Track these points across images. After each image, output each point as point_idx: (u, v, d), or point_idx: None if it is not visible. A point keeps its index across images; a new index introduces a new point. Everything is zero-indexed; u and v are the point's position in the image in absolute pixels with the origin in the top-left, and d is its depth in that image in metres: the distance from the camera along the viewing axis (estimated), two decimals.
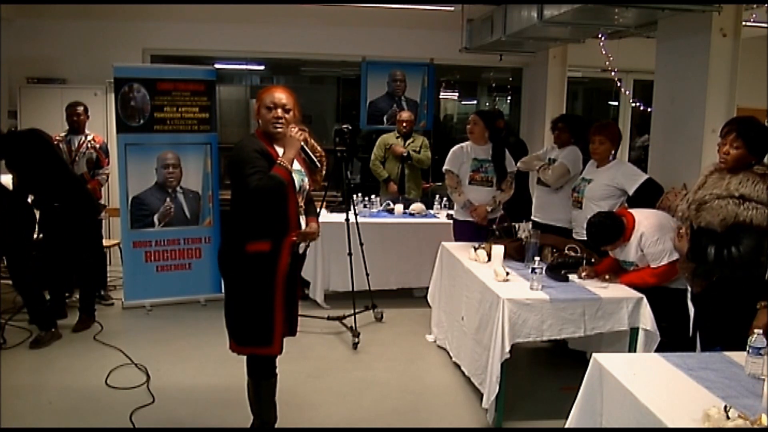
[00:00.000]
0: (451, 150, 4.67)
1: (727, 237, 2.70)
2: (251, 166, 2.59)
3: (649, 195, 3.82)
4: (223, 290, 2.88)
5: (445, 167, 4.67)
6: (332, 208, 5.36)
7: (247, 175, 2.58)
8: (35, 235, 4.54)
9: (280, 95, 2.74)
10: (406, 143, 5.89)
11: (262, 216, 2.67)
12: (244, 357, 2.90)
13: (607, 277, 3.41)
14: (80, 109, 5.19)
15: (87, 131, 5.25)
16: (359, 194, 5.69)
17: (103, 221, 5.42)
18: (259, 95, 2.80)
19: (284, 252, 2.71)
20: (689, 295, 3.14)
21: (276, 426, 2.97)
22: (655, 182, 3.91)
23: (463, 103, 9.16)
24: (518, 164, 4.64)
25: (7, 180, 4.53)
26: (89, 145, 5.18)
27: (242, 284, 2.73)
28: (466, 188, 4.58)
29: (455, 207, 4.77)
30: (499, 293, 3.19)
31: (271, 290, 2.71)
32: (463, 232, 4.61)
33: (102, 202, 5.39)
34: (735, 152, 2.75)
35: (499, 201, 4.56)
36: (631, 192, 3.82)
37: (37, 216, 4.52)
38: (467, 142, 4.64)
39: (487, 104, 8.86)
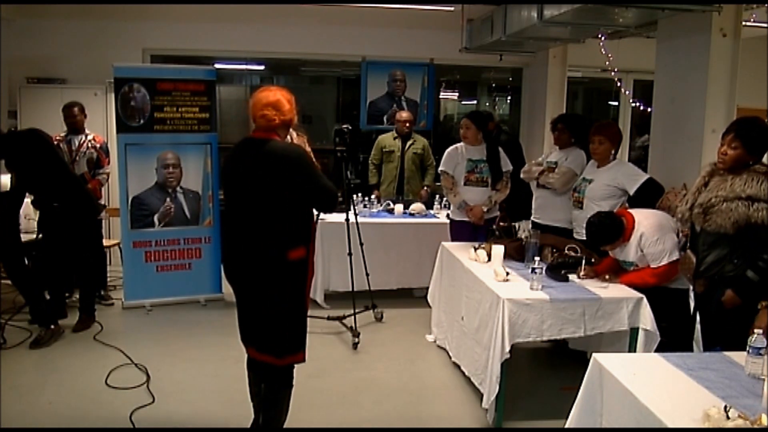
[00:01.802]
0: (446, 151, 4.67)
1: (742, 243, 2.70)
2: (319, 170, 2.68)
3: (649, 195, 3.82)
4: (235, 298, 2.81)
5: (440, 168, 4.68)
6: None
7: (323, 177, 2.67)
8: (36, 236, 4.56)
9: None
10: (407, 144, 5.88)
11: (304, 221, 2.69)
12: (244, 358, 2.90)
13: (607, 277, 3.41)
14: (76, 109, 5.14)
15: (87, 131, 5.23)
16: (359, 194, 5.69)
17: (103, 221, 5.41)
18: (293, 98, 2.78)
19: (312, 256, 2.76)
20: (692, 295, 3.14)
21: None
22: (655, 182, 3.90)
23: (463, 103, 9.15)
24: (521, 174, 4.63)
25: (6, 180, 4.53)
26: (89, 144, 5.17)
27: (287, 293, 2.67)
28: (461, 189, 4.58)
29: (452, 207, 4.77)
30: (499, 293, 3.19)
31: (306, 295, 2.74)
32: (460, 232, 4.61)
33: (102, 202, 5.37)
34: (732, 152, 2.76)
35: (495, 201, 4.56)
36: (631, 192, 3.82)
37: (36, 216, 4.54)
38: (461, 143, 4.64)
39: (487, 104, 8.86)
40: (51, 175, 4.34)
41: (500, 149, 4.64)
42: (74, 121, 5.14)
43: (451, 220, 4.77)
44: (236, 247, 2.75)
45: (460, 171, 4.58)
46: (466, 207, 4.54)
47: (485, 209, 4.51)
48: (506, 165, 4.62)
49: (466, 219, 4.58)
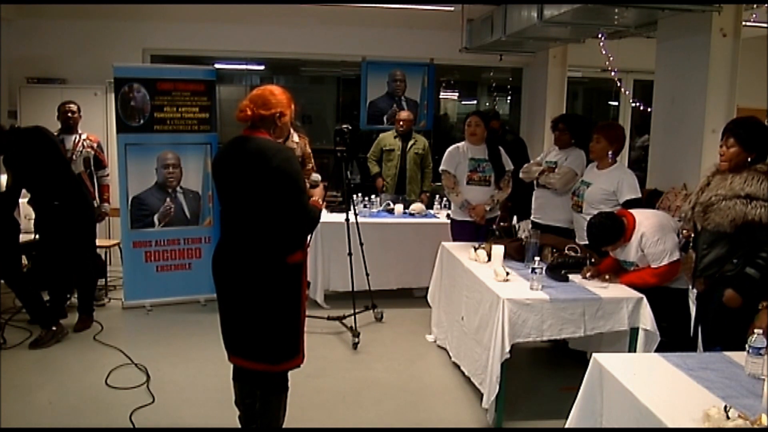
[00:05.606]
0: (447, 150, 4.66)
1: (741, 242, 2.70)
2: (302, 184, 2.56)
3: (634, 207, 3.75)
4: (221, 306, 2.73)
5: (441, 168, 4.66)
6: (332, 208, 5.35)
7: (303, 194, 2.55)
8: (33, 236, 4.55)
9: None
10: (408, 144, 5.88)
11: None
12: None
13: (607, 277, 3.41)
14: (74, 107, 5.10)
15: (79, 130, 5.14)
16: (359, 194, 5.69)
17: (103, 221, 5.39)
18: (289, 99, 2.66)
19: (306, 258, 2.70)
20: (693, 295, 3.14)
21: None
22: (640, 201, 3.85)
23: (463, 103, 9.16)
24: (520, 174, 4.61)
25: (3, 180, 4.52)
26: (85, 144, 5.10)
27: (284, 298, 2.59)
28: (463, 188, 4.57)
29: (453, 207, 4.77)
30: (499, 293, 3.19)
31: (303, 299, 2.69)
32: (462, 232, 4.61)
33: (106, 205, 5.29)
34: (729, 151, 2.79)
35: (497, 200, 4.56)
36: (621, 201, 3.78)
37: (34, 215, 4.52)
38: (463, 143, 4.63)
39: (487, 104, 8.86)
40: (53, 173, 4.32)
41: (501, 149, 4.64)
42: (72, 118, 5.07)
43: (452, 220, 4.76)
44: (230, 249, 2.66)
45: (462, 170, 4.57)
46: (468, 206, 4.53)
47: (488, 208, 4.51)
48: (508, 164, 4.62)
49: (467, 219, 4.57)
